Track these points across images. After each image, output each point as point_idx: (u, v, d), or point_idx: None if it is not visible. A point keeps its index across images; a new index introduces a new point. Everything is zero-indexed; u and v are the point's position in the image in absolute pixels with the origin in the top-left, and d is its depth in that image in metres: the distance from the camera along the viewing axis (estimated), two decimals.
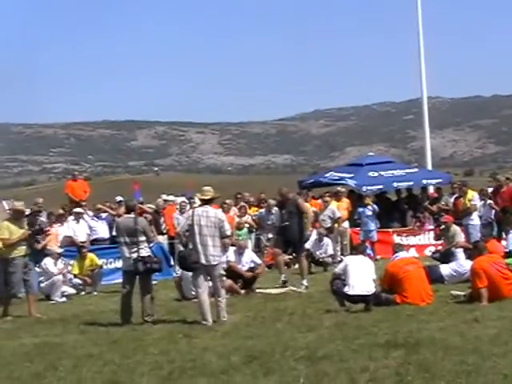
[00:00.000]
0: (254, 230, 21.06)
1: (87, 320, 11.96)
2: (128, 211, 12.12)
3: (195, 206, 14.34)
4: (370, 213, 21.34)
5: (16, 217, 13.32)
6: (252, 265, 15.44)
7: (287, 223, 15.24)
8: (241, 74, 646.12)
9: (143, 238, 11.62)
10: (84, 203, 20.82)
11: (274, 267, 16.73)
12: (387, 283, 12.14)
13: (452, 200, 22.30)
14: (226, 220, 11.55)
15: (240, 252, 15.58)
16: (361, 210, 21.53)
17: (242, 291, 14.67)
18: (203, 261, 11.06)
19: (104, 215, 20.06)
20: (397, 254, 12.69)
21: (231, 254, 15.34)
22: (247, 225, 20.59)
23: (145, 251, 11.59)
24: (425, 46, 29.98)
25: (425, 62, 29.83)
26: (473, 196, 19.83)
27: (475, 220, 19.38)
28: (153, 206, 21.39)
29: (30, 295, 13.32)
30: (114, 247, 16.72)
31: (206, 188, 11.63)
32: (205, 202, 11.50)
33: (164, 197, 22.97)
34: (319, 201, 21.87)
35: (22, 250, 13.15)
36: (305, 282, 15.02)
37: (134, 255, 11.45)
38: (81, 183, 22.48)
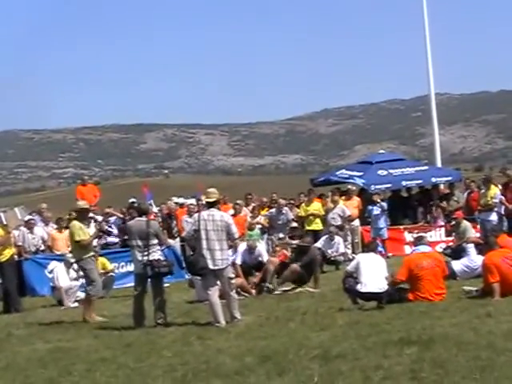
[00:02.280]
0: (266, 230, 21.02)
1: (100, 324, 11.95)
2: (140, 214, 12.12)
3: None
4: (378, 211, 21.32)
5: (83, 216, 13.19)
6: (260, 259, 15.48)
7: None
8: (249, 75, 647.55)
9: (155, 241, 11.57)
10: (94, 208, 20.83)
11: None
12: (405, 276, 11.95)
13: (465, 196, 22.21)
14: (232, 223, 11.41)
15: (251, 252, 15.62)
16: (370, 207, 21.52)
17: (253, 291, 14.68)
18: (211, 265, 11.00)
19: (113, 219, 20.08)
20: (416, 247, 12.64)
21: (240, 254, 15.38)
22: (259, 225, 20.56)
23: (157, 254, 11.54)
24: (431, 42, 29.83)
25: (432, 58, 29.71)
26: (495, 193, 19.42)
27: (493, 216, 19.16)
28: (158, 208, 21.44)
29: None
30: (125, 251, 16.77)
31: (210, 190, 11.51)
32: (210, 205, 11.41)
33: (175, 199, 22.99)
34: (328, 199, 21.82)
35: (92, 249, 13.06)
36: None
37: (145, 258, 11.43)
38: (91, 188, 22.43)
